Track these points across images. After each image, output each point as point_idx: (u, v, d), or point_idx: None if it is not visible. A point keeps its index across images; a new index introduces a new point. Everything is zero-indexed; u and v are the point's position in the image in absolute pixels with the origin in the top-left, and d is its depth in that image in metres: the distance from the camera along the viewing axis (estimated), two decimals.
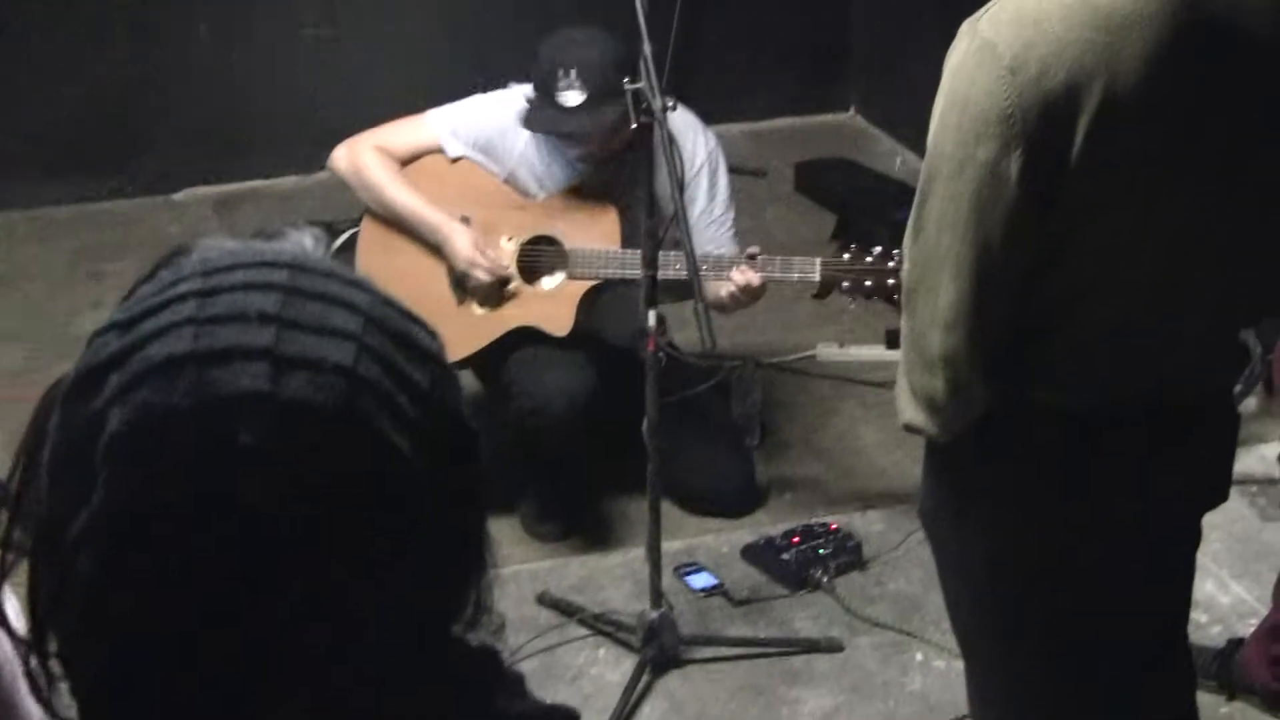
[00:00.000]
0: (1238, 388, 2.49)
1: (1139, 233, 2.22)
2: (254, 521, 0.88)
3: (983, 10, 2.20)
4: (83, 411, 0.91)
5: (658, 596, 3.74)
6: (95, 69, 6.33)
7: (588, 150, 4.13)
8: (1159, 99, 2.13)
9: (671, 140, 3.35)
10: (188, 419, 0.88)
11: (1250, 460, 4.46)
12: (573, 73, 3.99)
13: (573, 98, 4.00)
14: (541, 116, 4.07)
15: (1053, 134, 2.12)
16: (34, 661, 0.94)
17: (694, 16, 3.36)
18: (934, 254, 2.22)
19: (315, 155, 5.95)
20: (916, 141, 6.42)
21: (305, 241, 1.03)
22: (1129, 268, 2.25)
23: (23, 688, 0.99)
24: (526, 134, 4.19)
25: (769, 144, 6.86)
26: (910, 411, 2.36)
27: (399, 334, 0.98)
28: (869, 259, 3.98)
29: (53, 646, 0.94)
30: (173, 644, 0.89)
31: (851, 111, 7.18)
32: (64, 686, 0.94)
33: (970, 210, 2.17)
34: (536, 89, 4.10)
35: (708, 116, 4.38)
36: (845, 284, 4.00)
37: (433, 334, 1.01)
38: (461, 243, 4.17)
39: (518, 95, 4.23)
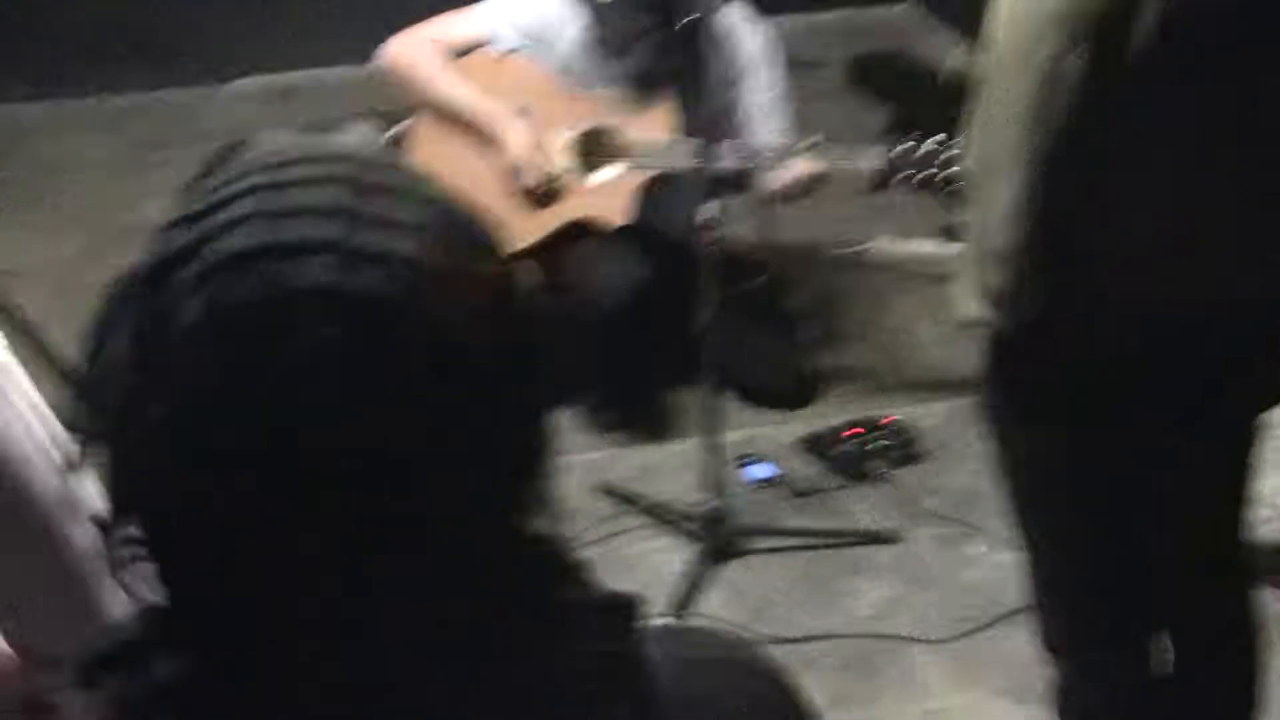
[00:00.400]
0: None
1: (1202, 132, 2.20)
2: (320, 412, 0.89)
3: None
4: (154, 304, 0.91)
5: (717, 487, 3.76)
6: None
7: (608, 35, 4.12)
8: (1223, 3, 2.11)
9: (727, 34, 3.33)
10: (258, 312, 0.89)
11: None
12: None
13: (643, 20, 4.02)
14: (629, 66, 4.09)
15: (1114, 32, 2.10)
16: (114, 546, 0.95)
17: None
18: (997, 149, 2.22)
19: (369, 45, 5.95)
20: (974, 34, 6.39)
21: (365, 134, 1.03)
22: (1190, 166, 2.23)
23: (104, 578, 1.00)
24: (580, 23, 4.17)
25: (824, 36, 6.82)
26: (972, 305, 2.36)
27: (463, 228, 0.98)
28: (929, 149, 3.95)
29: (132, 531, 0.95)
30: (254, 526, 0.90)
31: (909, 3, 7.11)
32: (144, 569, 0.96)
33: (1033, 104, 2.16)
34: (600, 17, 4.10)
35: (761, 6, 4.34)
36: (906, 174, 3.97)
37: (493, 230, 1.01)
38: (516, 138, 4.16)
39: None
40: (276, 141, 0.99)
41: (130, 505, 0.93)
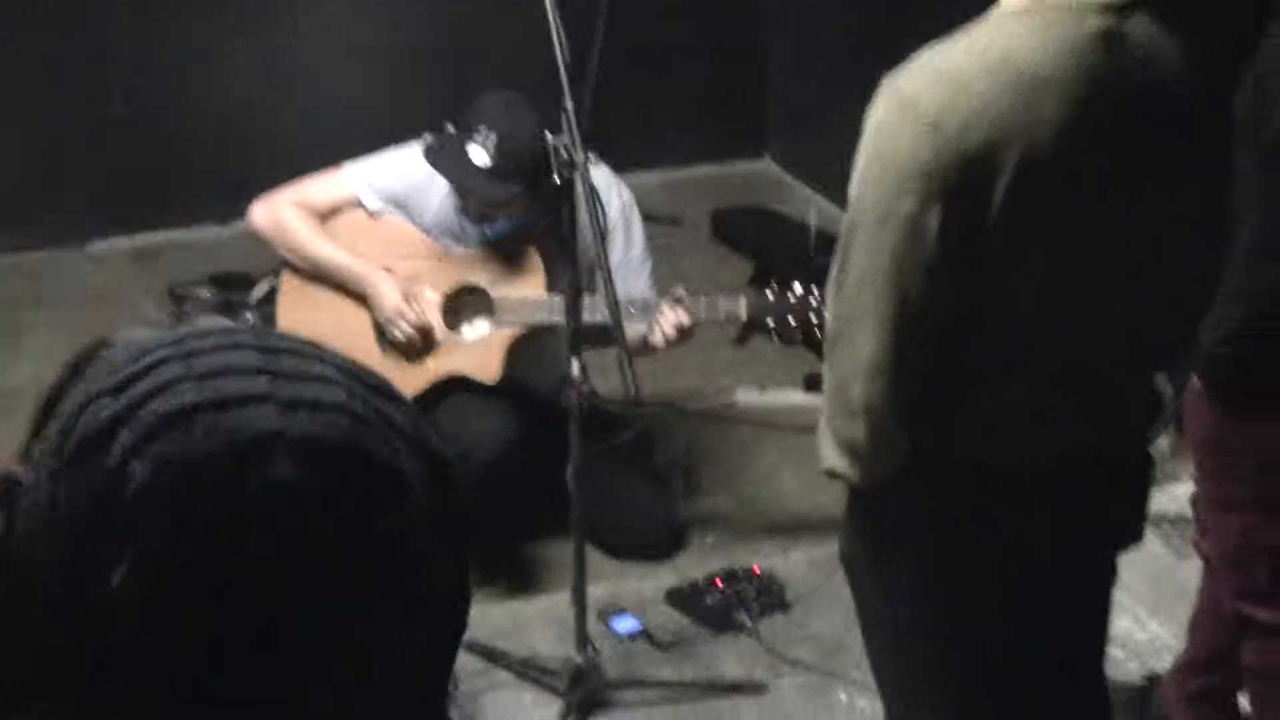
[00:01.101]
0: (1151, 434, 2.55)
1: (1056, 289, 2.27)
2: (293, 556, 0.91)
3: (902, 68, 2.25)
4: (96, 472, 0.92)
5: (583, 641, 3.77)
6: (7, 123, 6.30)
7: (470, 206, 4.18)
8: (1075, 160, 2.18)
9: (594, 191, 3.40)
10: (216, 462, 0.90)
11: (1163, 499, 4.55)
12: (492, 137, 4.03)
13: (480, 157, 4.04)
14: (445, 157, 4.11)
15: (972, 192, 2.16)
16: None
17: (609, 63, 3.41)
18: (855, 306, 2.26)
19: (232, 206, 5.97)
20: (832, 189, 6.56)
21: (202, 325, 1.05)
22: (1050, 326, 2.30)
23: None
24: (444, 188, 4.22)
25: (685, 192, 6.93)
26: (833, 458, 2.41)
27: (368, 377, 1.02)
28: (792, 298, 4.03)
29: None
30: (227, 678, 0.91)
31: (767, 160, 7.25)
32: None
33: (891, 263, 2.21)
34: (457, 127, 4.14)
35: (622, 164, 4.42)
36: (770, 321, 4.04)
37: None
38: (387, 293, 4.21)
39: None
40: (137, 338, 1.00)
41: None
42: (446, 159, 4.09)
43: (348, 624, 0.92)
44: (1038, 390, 2.34)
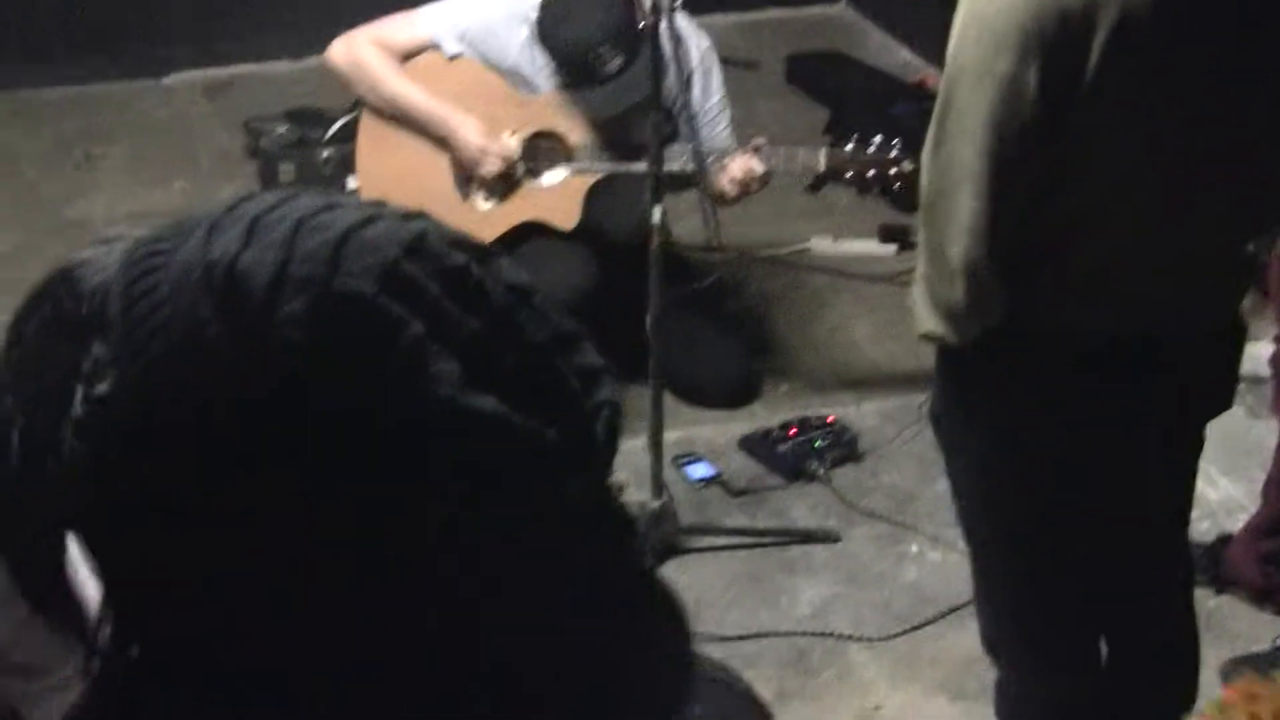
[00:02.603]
0: (1250, 248, 2.54)
1: (1147, 154, 2.27)
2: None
3: None
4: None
5: (658, 487, 3.80)
6: None
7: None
8: (1172, 24, 2.17)
9: (678, 38, 3.37)
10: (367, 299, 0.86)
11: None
12: (603, 49, 4.01)
13: (614, 66, 4.03)
14: (596, 96, 4.10)
15: (1069, 49, 2.16)
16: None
17: None
18: (953, 166, 2.27)
19: (307, 41, 5.95)
20: (909, 35, 6.48)
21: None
22: (1138, 189, 2.30)
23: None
24: (525, 30, 4.19)
25: (760, 35, 6.85)
26: (929, 321, 2.41)
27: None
28: (871, 149, 4.01)
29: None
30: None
31: (843, 4, 7.16)
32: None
33: (989, 122, 2.21)
34: (575, 72, 4.12)
35: (698, 6, 4.38)
36: (849, 174, 4.03)
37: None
38: (470, 132, 4.19)
39: None
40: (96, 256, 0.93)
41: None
42: (602, 97, 4.09)
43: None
44: (1120, 259, 2.33)
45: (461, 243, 0.91)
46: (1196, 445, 2.66)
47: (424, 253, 0.88)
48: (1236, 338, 2.59)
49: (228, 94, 6.38)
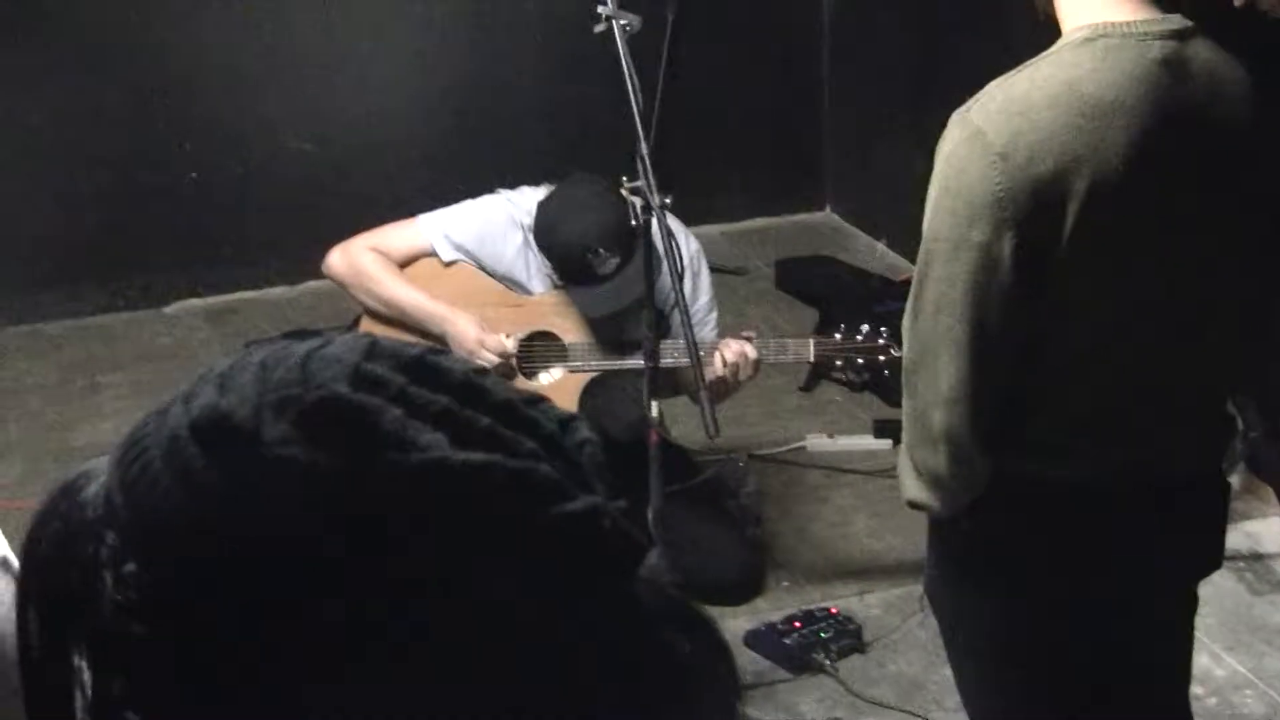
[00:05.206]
0: (1224, 465, 2.58)
1: (1124, 311, 2.32)
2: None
3: (972, 100, 2.31)
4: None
5: None
6: (84, 185, 6.42)
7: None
8: (1142, 185, 2.24)
9: (670, 233, 3.45)
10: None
11: (1237, 537, 4.56)
12: (600, 250, 4.10)
13: (610, 265, 4.11)
14: (593, 295, 4.18)
15: (1043, 218, 2.22)
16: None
17: (667, 120, 3.47)
18: (932, 334, 2.31)
19: (302, 266, 6.09)
20: (893, 237, 6.60)
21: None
22: (1117, 344, 2.35)
23: None
24: (519, 235, 4.29)
25: (748, 243, 6.98)
26: (915, 489, 2.44)
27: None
28: (859, 338, 4.09)
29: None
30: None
31: (827, 210, 7.30)
32: None
33: (966, 290, 2.26)
34: (572, 272, 4.20)
35: (684, 218, 4.47)
36: (839, 363, 4.10)
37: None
38: (466, 327, 4.26)
39: (505, 200, 4.35)
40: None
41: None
42: (595, 298, 4.17)
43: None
44: (1105, 408, 2.38)
45: (412, 344, 0.98)
46: (1193, 602, 2.68)
47: (381, 353, 0.94)
48: (1223, 489, 2.62)
49: (229, 320, 6.48)
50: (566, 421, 0.98)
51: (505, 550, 0.90)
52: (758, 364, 4.09)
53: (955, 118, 2.31)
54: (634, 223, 3.43)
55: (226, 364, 0.96)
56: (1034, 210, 2.21)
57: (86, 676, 0.92)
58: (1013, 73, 2.30)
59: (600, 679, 0.91)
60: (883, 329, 4.02)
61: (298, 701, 0.88)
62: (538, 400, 0.98)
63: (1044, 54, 2.32)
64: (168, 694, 0.90)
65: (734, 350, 4.05)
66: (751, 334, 4.14)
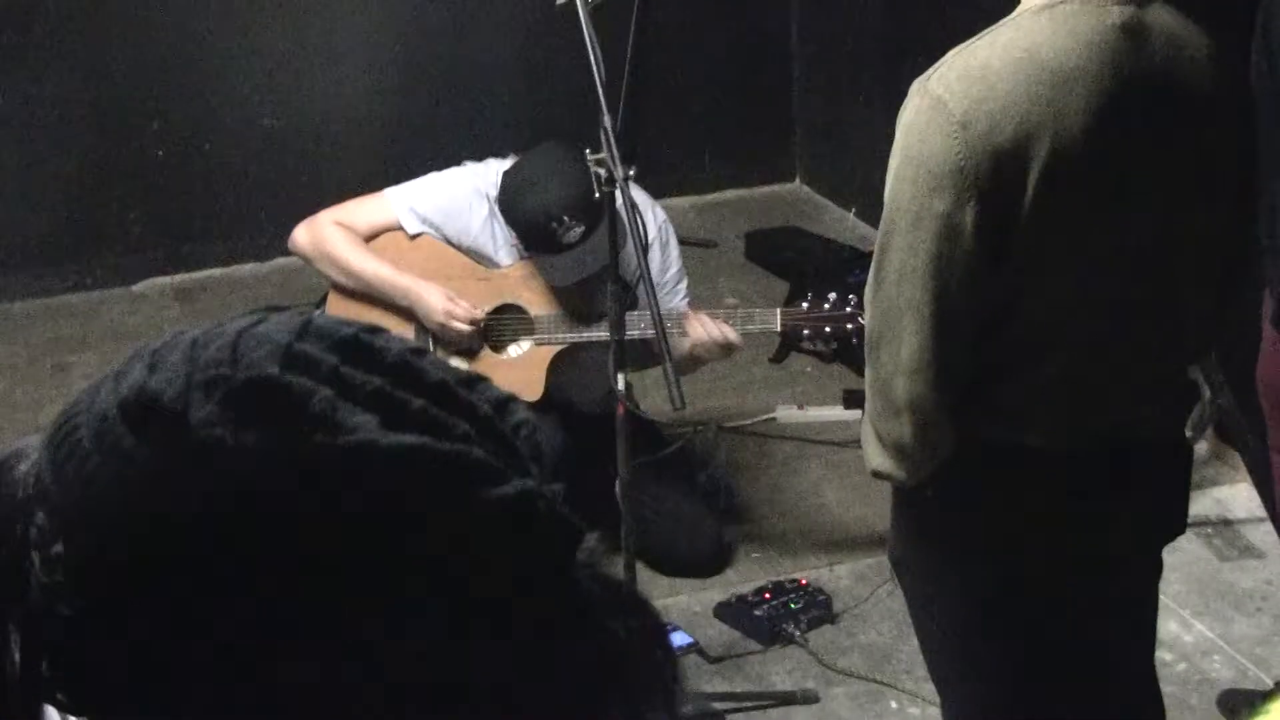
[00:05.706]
0: (1189, 432, 2.59)
1: (1087, 279, 2.33)
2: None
3: (932, 69, 2.30)
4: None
5: None
6: (50, 163, 6.39)
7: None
8: (1102, 151, 2.24)
9: (634, 205, 3.44)
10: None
11: (1205, 503, 4.59)
12: (565, 218, 4.07)
13: (575, 234, 4.10)
14: (558, 264, 4.16)
15: (1004, 186, 2.22)
16: None
17: (637, 91, 3.45)
18: (895, 303, 2.31)
19: (272, 243, 6.07)
20: (863, 207, 6.60)
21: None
22: (1080, 313, 2.35)
23: None
24: (485, 206, 4.27)
25: (718, 215, 6.97)
26: (878, 458, 2.44)
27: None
28: (826, 306, 4.08)
29: None
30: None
31: (797, 181, 7.30)
32: None
33: (928, 260, 2.26)
34: (536, 241, 4.18)
35: (654, 190, 4.47)
36: (806, 332, 4.09)
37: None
38: (434, 298, 4.25)
39: (471, 172, 4.33)
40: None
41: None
42: (560, 265, 4.16)
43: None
44: (1069, 375, 2.38)
45: (348, 322, 0.97)
46: (1158, 567, 2.69)
47: (314, 332, 0.94)
48: (1186, 454, 2.63)
49: (198, 298, 6.46)
50: (504, 403, 0.97)
51: (435, 534, 0.89)
52: (730, 344, 4.08)
53: (915, 86, 2.31)
54: (598, 194, 3.41)
55: (159, 341, 0.95)
56: (995, 178, 2.21)
57: (16, 655, 0.92)
58: (972, 40, 2.30)
59: (537, 662, 0.90)
60: (850, 297, 4.02)
61: (221, 679, 0.88)
62: (476, 381, 0.97)
63: (1003, 20, 2.32)
64: (94, 674, 0.90)
65: (706, 322, 4.05)
66: (735, 300, 4.13)
